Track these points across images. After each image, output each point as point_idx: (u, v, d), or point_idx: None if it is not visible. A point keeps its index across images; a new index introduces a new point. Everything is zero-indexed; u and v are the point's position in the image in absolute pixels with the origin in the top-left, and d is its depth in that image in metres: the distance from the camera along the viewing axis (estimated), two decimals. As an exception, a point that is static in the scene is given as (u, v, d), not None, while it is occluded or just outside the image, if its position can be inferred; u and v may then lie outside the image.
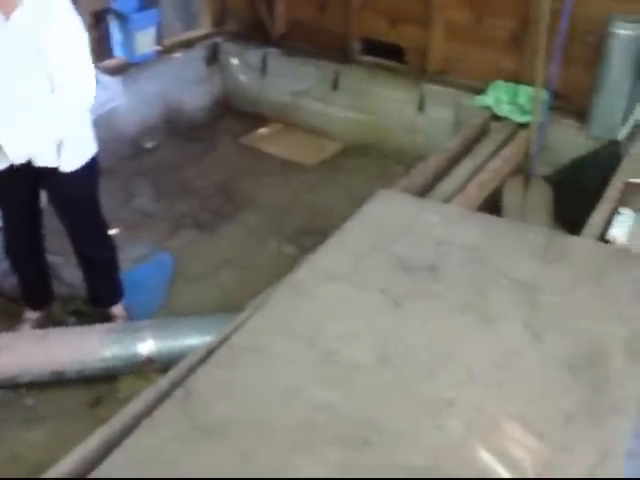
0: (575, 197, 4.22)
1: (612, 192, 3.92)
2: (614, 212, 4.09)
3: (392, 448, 2.10)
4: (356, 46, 5.41)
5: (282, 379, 2.33)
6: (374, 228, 3.07)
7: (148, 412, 2.23)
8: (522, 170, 4.47)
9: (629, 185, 4.26)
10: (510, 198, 4.27)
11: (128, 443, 2.11)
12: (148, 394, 2.35)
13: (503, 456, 2.09)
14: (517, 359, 2.41)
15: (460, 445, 2.12)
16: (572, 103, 4.61)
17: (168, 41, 5.51)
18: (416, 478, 2.00)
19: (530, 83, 4.46)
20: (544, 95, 4.42)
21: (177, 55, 5.54)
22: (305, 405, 2.23)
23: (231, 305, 3.29)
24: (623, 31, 4.21)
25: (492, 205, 4.16)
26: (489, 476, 2.04)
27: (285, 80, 5.56)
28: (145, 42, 5.21)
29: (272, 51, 5.65)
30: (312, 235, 3.99)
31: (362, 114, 5.28)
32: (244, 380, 2.33)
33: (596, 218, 3.60)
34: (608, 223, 3.99)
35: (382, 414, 2.21)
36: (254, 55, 5.69)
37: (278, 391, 2.28)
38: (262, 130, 5.60)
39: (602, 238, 3.89)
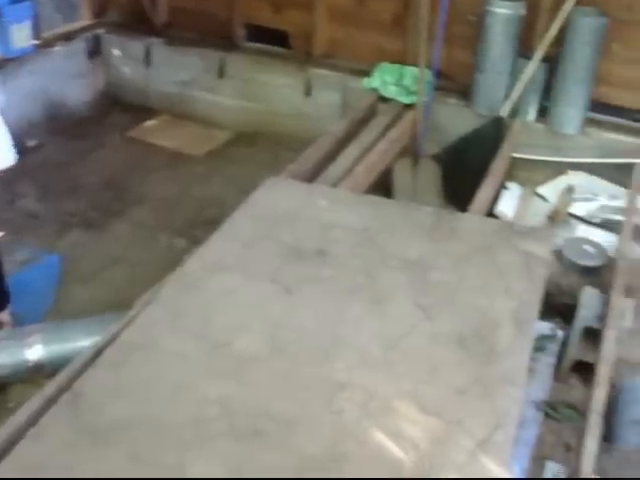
0: (463, 174, 4.29)
1: (497, 167, 4.00)
2: (501, 187, 4.19)
3: (286, 437, 2.08)
4: (241, 33, 5.34)
5: (173, 375, 2.27)
6: (262, 216, 3.03)
7: (34, 420, 2.15)
8: (411, 150, 4.51)
9: (514, 160, 4.36)
10: (400, 179, 4.30)
11: (14, 455, 2.02)
12: (33, 402, 2.26)
13: (398, 436, 2.09)
14: (408, 338, 2.42)
15: (355, 429, 2.11)
16: (456, 82, 4.68)
17: (47, 34, 5.30)
18: None
19: (415, 64, 4.50)
20: (428, 75, 4.47)
21: (57, 49, 5.35)
22: (197, 400, 2.18)
23: (123, 304, 3.19)
24: (501, 9, 4.29)
25: (383, 187, 4.19)
26: (385, 457, 2.04)
27: (170, 70, 5.46)
28: (21, 36, 5.00)
29: (156, 41, 5.52)
30: (203, 227, 3.92)
31: (250, 102, 5.22)
32: (134, 379, 2.27)
33: (483, 194, 3.66)
34: (495, 198, 4.07)
35: (276, 403, 2.18)
36: (137, 46, 5.55)
37: (169, 388, 2.23)
38: (150, 123, 5.48)
39: (490, 213, 3.97)
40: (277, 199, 3.17)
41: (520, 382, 2.31)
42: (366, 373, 2.29)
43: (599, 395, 2.58)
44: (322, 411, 2.16)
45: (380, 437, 2.09)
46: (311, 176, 3.68)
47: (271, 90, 5.12)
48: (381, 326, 2.48)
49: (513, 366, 2.37)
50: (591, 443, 2.38)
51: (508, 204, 4.10)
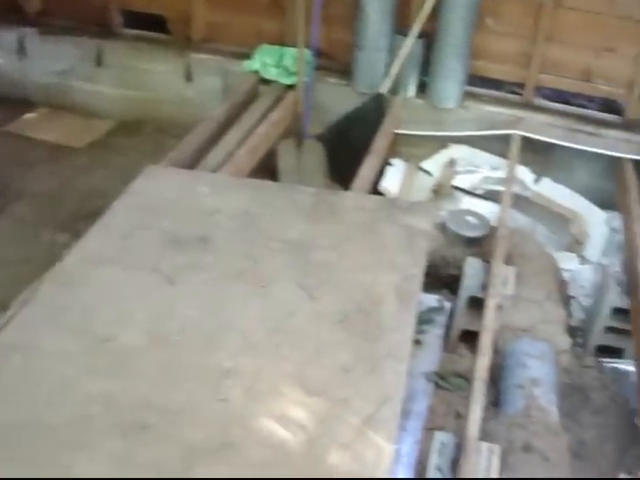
0: (347, 153, 4.31)
1: (379, 144, 4.03)
2: (385, 164, 4.23)
3: (172, 428, 2.05)
4: (117, 19, 5.21)
5: (55, 375, 2.21)
6: (141, 206, 2.97)
7: None
8: (294, 131, 4.51)
9: (397, 136, 4.41)
10: (284, 160, 4.29)
11: None
12: None
13: (285, 419, 2.09)
14: (292, 320, 2.42)
15: (242, 415, 2.10)
16: (337, 61, 4.69)
17: None
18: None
19: (294, 45, 4.48)
20: (308, 56, 4.47)
21: None
22: (80, 399, 2.13)
23: (4, 304, 3.10)
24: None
25: (267, 169, 4.17)
26: (273, 441, 2.04)
27: (46, 61, 5.27)
28: None
29: (29, 31, 5.30)
30: (86, 220, 3.78)
31: (130, 90, 5.10)
32: (14, 381, 2.20)
33: (364, 171, 3.68)
34: (380, 175, 4.11)
35: (161, 395, 2.15)
36: (9, 36, 5.33)
37: (51, 388, 2.16)
38: (28, 116, 5.29)
39: (375, 190, 4.01)
40: (157, 187, 3.11)
41: (405, 356, 2.34)
42: (251, 358, 2.28)
43: (482, 363, 2.64)
44: (208, 399, 2.14)
45: (266, 421, 2.08)
46: (192, 163, 3.63)
47: (151, 77, 5.03)
48: (265, 310, 2.47)
49: (398, 341, 2.39)
50: (476, 409, 2.43)
51: (392, 180, 4.15)
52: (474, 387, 2.51)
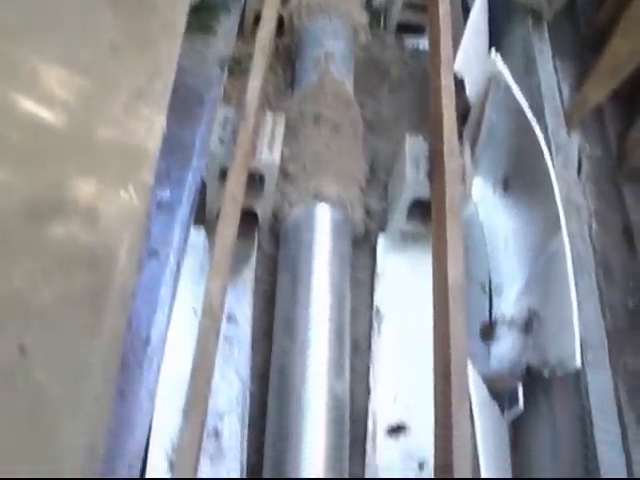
0: None
1: None
2: None
3: None
4: None
5: None
6: None
7: None
8: None
9: None
10: None
11: None
12: None
13: (48, 100, 1.97)
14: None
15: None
16: None
17: None
18: None
19: None
20: None
21: None
22: None
23: None
24: None
25: None
26: (35, 123, 1.92)
27: None
28: None
29: None
30: None
31: None
32: None
33: None
34: None
35: None
36: None
37: None
38: None
39: None
40: None
41: (179, 32, 2.21)
42: (8, 43, 2.09)
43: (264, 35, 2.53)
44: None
45: (27, 103, 1.95)
46: None
47: None
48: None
49: (172, 15, 2.25)
50: (256, 78, 2.36)
51: None
52: (254, 61, 2.41)
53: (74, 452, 1.46)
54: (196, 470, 1.63)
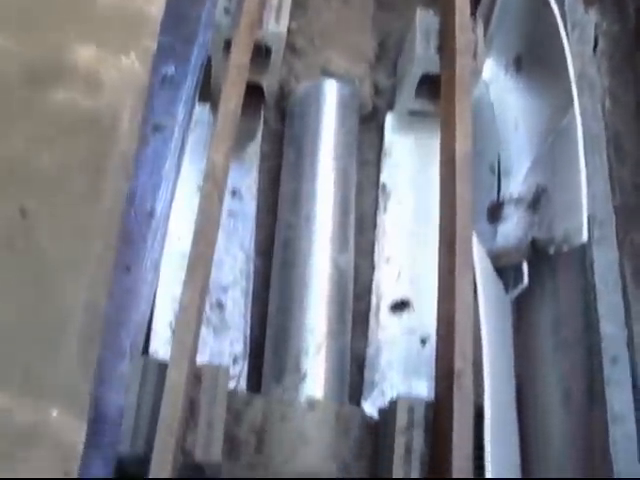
0: None
1: None
2: None
3: None
4: None
5: None
6: None
7: None
8: None
9: None
10: None
11: None
12: None
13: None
14: None
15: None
16: None
17: None
18: None
19: None
20: None
21: None
22: None
23: None
24: None
25: None
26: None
27: None
28: None
29: None
30: None
31: None
32: None
33: None
34: None
35: None
36: None
37: None
38: None
39: None
40: None
41: None
42: None
43: None
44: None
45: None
46: None
47: None
48: None
49: None
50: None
51: None
52: None
53: (75, 310, 1.47)
54: (198, 327, 1.64)
